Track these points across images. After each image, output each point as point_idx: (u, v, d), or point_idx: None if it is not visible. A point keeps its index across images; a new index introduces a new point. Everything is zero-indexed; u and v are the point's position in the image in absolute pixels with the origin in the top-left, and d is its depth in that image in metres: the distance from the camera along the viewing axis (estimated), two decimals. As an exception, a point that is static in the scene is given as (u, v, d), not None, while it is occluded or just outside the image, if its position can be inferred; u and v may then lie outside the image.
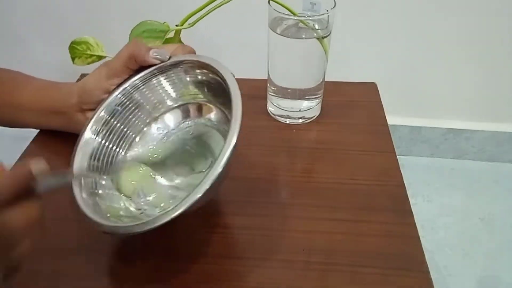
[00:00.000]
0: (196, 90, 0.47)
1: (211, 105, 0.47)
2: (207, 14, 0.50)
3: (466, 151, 1.45)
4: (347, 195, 0.48)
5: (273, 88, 0.58)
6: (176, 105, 0.49)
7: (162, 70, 0.47)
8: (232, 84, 0.41)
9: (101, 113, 0.46)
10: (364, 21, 1.23)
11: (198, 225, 0.45)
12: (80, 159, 0.43)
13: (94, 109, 0.47)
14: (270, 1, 0.51)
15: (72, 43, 0.55)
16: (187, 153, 0.47)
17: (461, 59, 1.28)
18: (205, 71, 0.45)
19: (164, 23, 0.52)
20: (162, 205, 0.44)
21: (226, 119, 0.45)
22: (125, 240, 0.44)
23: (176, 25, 0.52)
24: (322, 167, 0.52)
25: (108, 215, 0.40)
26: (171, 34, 0.53)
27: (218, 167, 0.36)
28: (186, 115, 0.49)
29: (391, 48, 1.28)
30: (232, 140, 0.37)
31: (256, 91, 0.61)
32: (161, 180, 0.46)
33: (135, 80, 0.47)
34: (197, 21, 0.51)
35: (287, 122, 0.58)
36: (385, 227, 0.45)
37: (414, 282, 0.40)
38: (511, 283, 1.11)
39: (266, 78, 0.58)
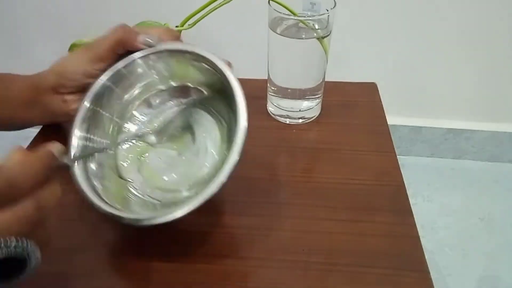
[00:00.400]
0: (185, 73, 0.48)
1: (199, 87, 0.48)
2: (207, 15, 0.50)
3: (466, 151, 1.45)
4: (347, 195, 0.48)
5: (273, 88, 0.58)
6: (165, 87, 0.49)
7: (148, 54, 0.46)
8: (224, 68, 0.42)
9: (89, 99, 0.45)
10: (364, 21, 1.23)
11: (198, 225, 0.45)
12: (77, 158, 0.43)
13: (73, 93, 0.47)
14: (270, 1, 0.51)
15: (72, 45, 0.55)
16: (173, 132, 0.48)
17: (461, 59, 1.28)
18: (194, 57, 0.45)
19: (164, 24, 0.52)
20: (158, 185, 0.45)
21: (218, 101, 0.46)
22: (124, 241, 0.44)
23: (176, 26, 0.53)
24: (322, 167, 0.52)
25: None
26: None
27: (235, 154, 0.39)
28: (175, 96, 0.49)
29: (391, 48, 1.28)
30: (243, 124, 0.39)
31: (256, 91, 0.61)
32: (153, 157, 0.47)
33: (122, 65, 0.46)
34: (197, 22, 0.51)
35: (287, 122, 0.58)
36: (385, 227, 0.45)
37: (414, 282, 0.40)
38: (511, 283, 1.11)
39: (266, 78, 0.58)
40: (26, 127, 0.53)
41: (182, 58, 0.46)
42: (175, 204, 0.39)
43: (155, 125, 0.49)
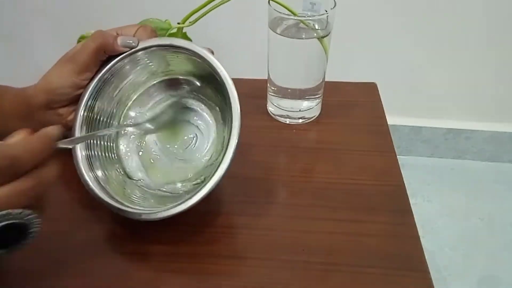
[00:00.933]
0: (171, 66, 0.48)
1: (188, 78, 0.49)
2: (208, 12, 0.50)
3: (466, 151, 1.45)
4: (347, 195, 0.48)
5: (273, 88, 0.58)
6: (154, 82, 0.50)
7: (131, 54, 0.47)
8: (207, 55, 0.43)
9: (83, 110, 0.46)
10: (364, 21, 1.23)
11: (198, 225, 0.45)
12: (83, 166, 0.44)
13: (66, 105, 0.47)
14: (270, 1, 0.51)
15: (80, 37, 0.55)
16: (169, 124, 0.50)
17: (461, 59, 1.28)
18: (178, 50, 0.46)
19: (166, 21, 0.52)
20: (167, 180, 0.46)
21: (208, 88, 0.47)
22: (125, 241, 0.44)
23: (178, 23, 0.53)
24: (322, 167, 0.52)
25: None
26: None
27: (234, 136, 0.40)
28: (165, 89, 0.50)
29: (391, 48, 1.28)
30: (236, 106, 0.41)
31: (256, 91, 0.61)
32: (155, 153, 0.49)
33: (105, 71, 0.46)
34: (198, 19, 0.51)
35: (287, 122, 0.58)
36: (385, 227, 0.45)
37: (414, 282, 0.40)
38: (511, 283, 1.11)
39: (266, 78, 0.58)
40: None
41: (165, 53, 0.47)
42: (187, 193, 0.41)
43: (150, 125, 0.50)
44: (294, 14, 0.51)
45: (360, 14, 1.20)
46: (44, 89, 0.47)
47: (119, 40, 0.45)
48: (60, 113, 0.48)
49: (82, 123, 0.45)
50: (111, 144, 0.48)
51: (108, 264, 0.42)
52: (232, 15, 1.10)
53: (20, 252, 0.31)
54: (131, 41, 0.45)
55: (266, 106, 0.60)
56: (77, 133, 0.45)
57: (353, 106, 0.61)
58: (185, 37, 0.55)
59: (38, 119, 0.49)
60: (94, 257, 0.43)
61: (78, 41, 0.55)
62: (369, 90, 0.63)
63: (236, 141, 0.40)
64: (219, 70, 0.43)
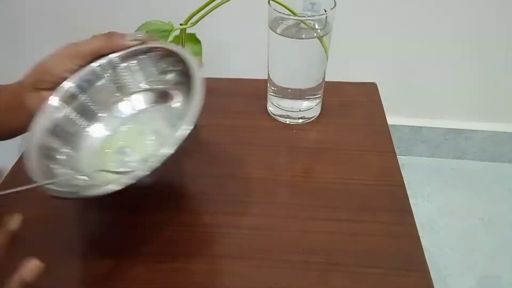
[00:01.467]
0: (161, 76, 0.48)
1: (176, 91, 0.47)
2: (209, 12, 0.50)
3: (466, 151, 1.45)
4: (347, 195, 0.48)
5: (273, 88, 0.58)
6: (140, 89, 0.49)
7: (133, 55, 0.48)
8: (193, 68, 0.42)
9: (68, 86, 0.46)
10: (364, 21, 1.23)
11: (198, 225, 0.45)
12: (39, 132, 0.43)
13: (50, 89, 0.47)
14: (270, 1, 0.51)
15: None
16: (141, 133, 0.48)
17: (461, 59, 1.28)
18: (170, 58, 0.46)
19: (168, 22, 0.52)
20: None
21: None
22: (124, 240, 0.44)
23: (181, 24, 0.53)
24: (322, 167, 0.52)
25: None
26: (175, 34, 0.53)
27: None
28: (150, 99, 0.49)
29: (391, 48, 1.28)
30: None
31: (256, 91, 0.61)
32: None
33: (102, 62, 0.47)
34: (199, 20, 0.51)
35: (287, 122, 0.58)
36: (385, 227, 0.45)
37: (414, 282, 0.40)
38: (511, 283, 1.11)
39: (266, 78, 0.58)
40: (13, 134, 0.53)
41: (158, 61, 0.47)
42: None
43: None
44: (294, 14, 0.51)
45: (360, 14, 1.20)
46: (38, 67, 0.48)
47: (128, 36, 0.47)
48: (44, 97, 0.48)
49: (65, 96, 0.46)
50: (83, 123, 0.47)
51: (105, 265, 0.42)
52: (232, 15, 1.09)
53: (17, 254, 0.31)
54: (139, 35, 0.47)
55: (266, 106, 0.60)
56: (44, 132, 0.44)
57: (353, 106, 0.61)
58: (192, 37, 0.55)
59: (28, 108, 0.49)
60: (91, 258, 0.43)
61: None
62: (369, 90, 0.64)
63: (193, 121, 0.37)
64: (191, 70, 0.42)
